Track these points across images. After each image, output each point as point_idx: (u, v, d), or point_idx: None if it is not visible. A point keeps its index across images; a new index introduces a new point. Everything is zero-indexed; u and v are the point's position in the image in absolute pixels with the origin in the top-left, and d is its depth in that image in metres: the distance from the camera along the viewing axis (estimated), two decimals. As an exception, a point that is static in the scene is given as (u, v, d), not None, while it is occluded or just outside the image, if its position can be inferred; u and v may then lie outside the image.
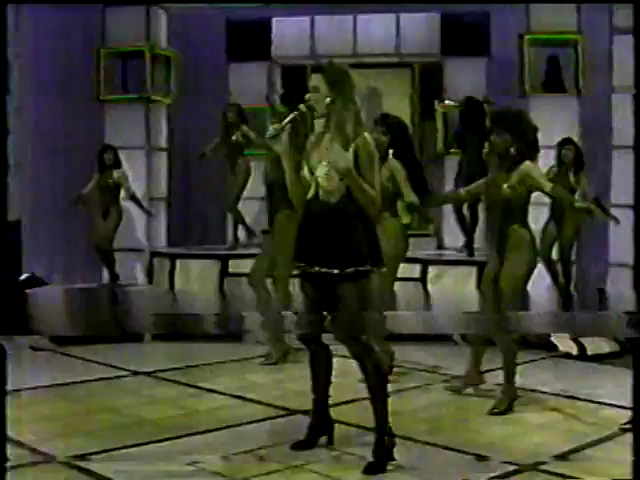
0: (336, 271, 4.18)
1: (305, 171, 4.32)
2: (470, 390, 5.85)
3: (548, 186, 5.48)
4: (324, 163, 4.21)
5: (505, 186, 5.36)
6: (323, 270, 4.21)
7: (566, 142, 8.03)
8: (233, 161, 9.50)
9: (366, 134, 4.26)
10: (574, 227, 8.02)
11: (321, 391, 4.55)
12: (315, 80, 4.24)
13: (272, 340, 6.91)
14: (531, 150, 5.49)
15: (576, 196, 7.88)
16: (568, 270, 8.14)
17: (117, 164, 9.10)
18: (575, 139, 8.76)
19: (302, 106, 4.22)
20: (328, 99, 4.20)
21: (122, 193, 9.17)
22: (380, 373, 4.31)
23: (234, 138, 9.36)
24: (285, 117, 4.38)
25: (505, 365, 5.47)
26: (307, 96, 4.24)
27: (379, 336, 6.12)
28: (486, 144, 5.60)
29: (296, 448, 4.51)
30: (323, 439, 4.60)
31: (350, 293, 4.21)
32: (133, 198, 9.15)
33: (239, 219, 9.61)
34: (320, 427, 4.59)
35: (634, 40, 7.43)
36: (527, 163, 5.41)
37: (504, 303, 5.45)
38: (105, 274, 9.54)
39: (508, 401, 5.41)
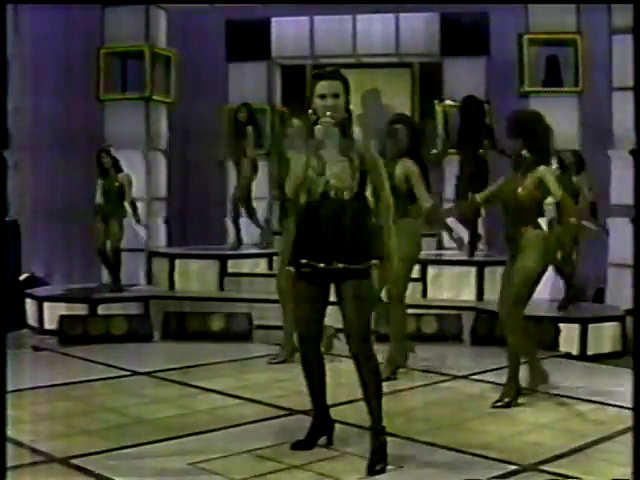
0: (357, 266, 4.20)
1: (310, 172, 4.27)
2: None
3: (559, 195, 5.53)
4: (335, 161, 4.22)
5: (519, 189, 5.44)
6: (340, 266, 4.21)
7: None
8: (239, 160, 9.58)
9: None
10: (572, 231, 8.03)
11: (318, 392, 4.55)
12: (335, 87, 4.25)
13: (286, 339, 6.94)
14: (544, 154, 5.53)
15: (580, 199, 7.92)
16: (569, 272, 8.13)
17: (117, 166, 8.98)
18: (575, 139, 8.79)
19: (329, 113, 4.20)
20: (345, 106, 4.24)
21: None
22: (378, 375, 4.33)
23: (243, 139, 9.45)
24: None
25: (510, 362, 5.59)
26: (328, 103, 4.21)
27: (400, 334, 6.23)
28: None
29: (296, 448, 4.52)
30: (323, 439, 4.60)
31: (363, 288, 4.23)
32: (132, 204, 9.05)
33: (253, 216, 9.71)
34: (321, 427, 4.60)
35: (633, 40, 7.42)
36: (542, 168, 5.48)
37: (515, 302, 5.51)
38: (104, 274, 9.54)
39: (513, 396, 5.52)
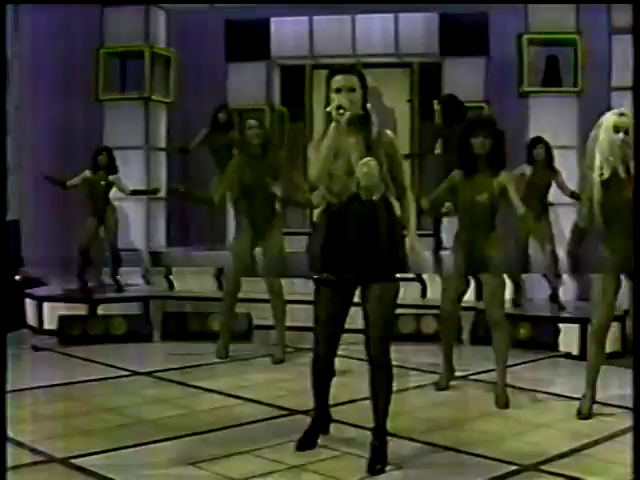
0: (389, 269, 4.21)
1: (337, 171, 4.19)
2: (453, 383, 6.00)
3: (521, 210, 5.60)
4: (366, 160, 4.15)
5: (483, 194, 5.52)
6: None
7: (537, 141, 8.06)
8: (222, 161, 9.53)
9: (388, 131, 4.29)
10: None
11: (323, 392, 4.55)
12: (351, 81, 4.20)
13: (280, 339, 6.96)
14: (503, 157, 5.65)
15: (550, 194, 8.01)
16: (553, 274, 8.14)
17: (111, 167, 8.87)
18: (574, 139, 8.80)
19: (347, 113, 4.14)
20: (363, 103, 4.22)
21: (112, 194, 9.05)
22: (390, 377, 4.32)
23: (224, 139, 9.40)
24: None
25: (498, 362, 5.64)
26: (345, 96, 4.14)
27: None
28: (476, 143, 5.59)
29: (300, 448, 4.50)
30: (322, 438, 4.60)
31: (390, 291, 4.23)
32: (135, 192, 9.07)
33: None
34: (320, 426, 4.61)
35: (633, 39, 7.43)
36: (504, 175, 5.58)
37: (501, 303, 5.59)
38: (102, 275, 9.53)
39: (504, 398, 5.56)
